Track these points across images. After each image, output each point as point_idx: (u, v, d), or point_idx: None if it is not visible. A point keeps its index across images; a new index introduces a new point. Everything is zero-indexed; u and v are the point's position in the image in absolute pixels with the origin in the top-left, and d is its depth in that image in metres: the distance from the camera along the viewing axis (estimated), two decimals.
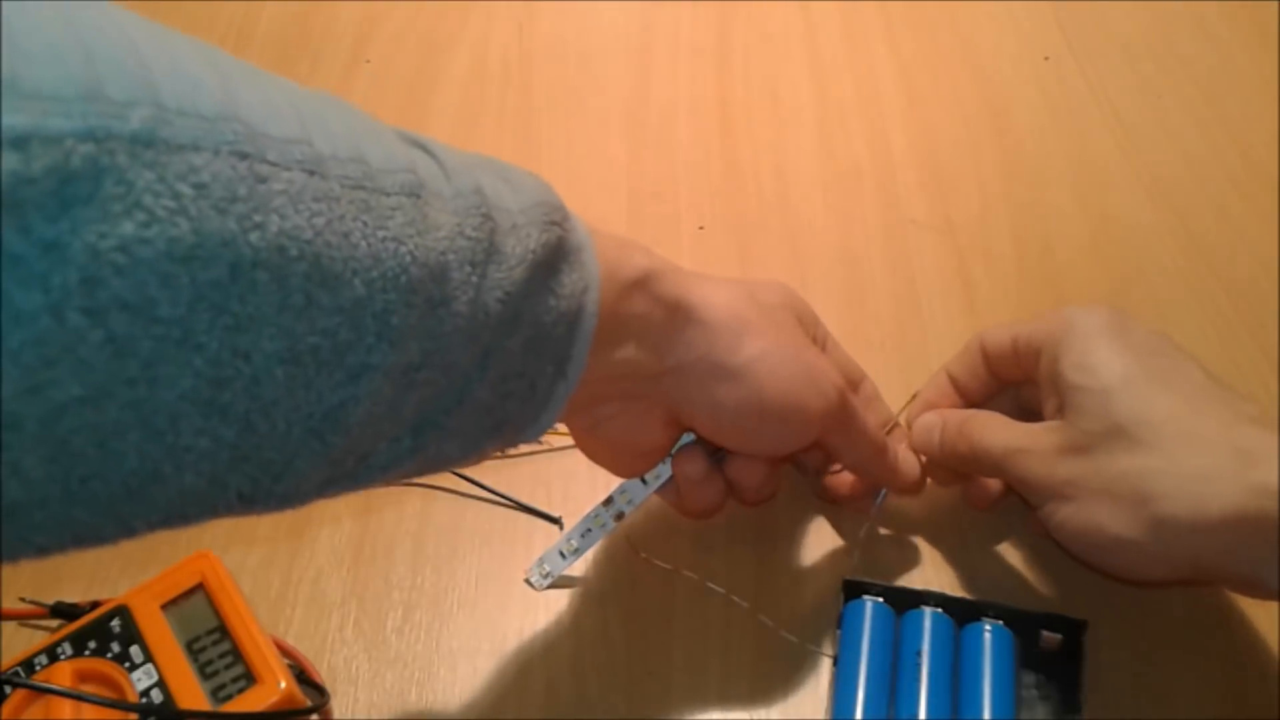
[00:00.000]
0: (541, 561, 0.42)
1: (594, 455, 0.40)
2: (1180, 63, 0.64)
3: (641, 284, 0.34)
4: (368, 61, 0.70)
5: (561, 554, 0.42)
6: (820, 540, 0.45)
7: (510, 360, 0.30)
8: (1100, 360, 0.36)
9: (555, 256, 0.31)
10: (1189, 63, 0.64)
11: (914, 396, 0.43)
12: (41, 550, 0.23)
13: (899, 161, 0.60)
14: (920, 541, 0.44)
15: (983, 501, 0.43)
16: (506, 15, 0.72)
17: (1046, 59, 0.66)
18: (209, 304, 0.21)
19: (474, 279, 0.28)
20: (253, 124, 0.23)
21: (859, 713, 0.37)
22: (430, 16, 0.73)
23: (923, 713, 0.37)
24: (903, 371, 0.49)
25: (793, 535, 0.45)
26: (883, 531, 0.44)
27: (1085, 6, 0.69)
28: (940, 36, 0.68)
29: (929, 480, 0.44)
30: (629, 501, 0.41)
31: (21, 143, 0.18)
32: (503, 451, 0.34)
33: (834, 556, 0.44)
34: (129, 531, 0.24)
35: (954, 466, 0.42)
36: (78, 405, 0.20)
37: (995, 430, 0.39)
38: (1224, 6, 0.68)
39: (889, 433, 0.43)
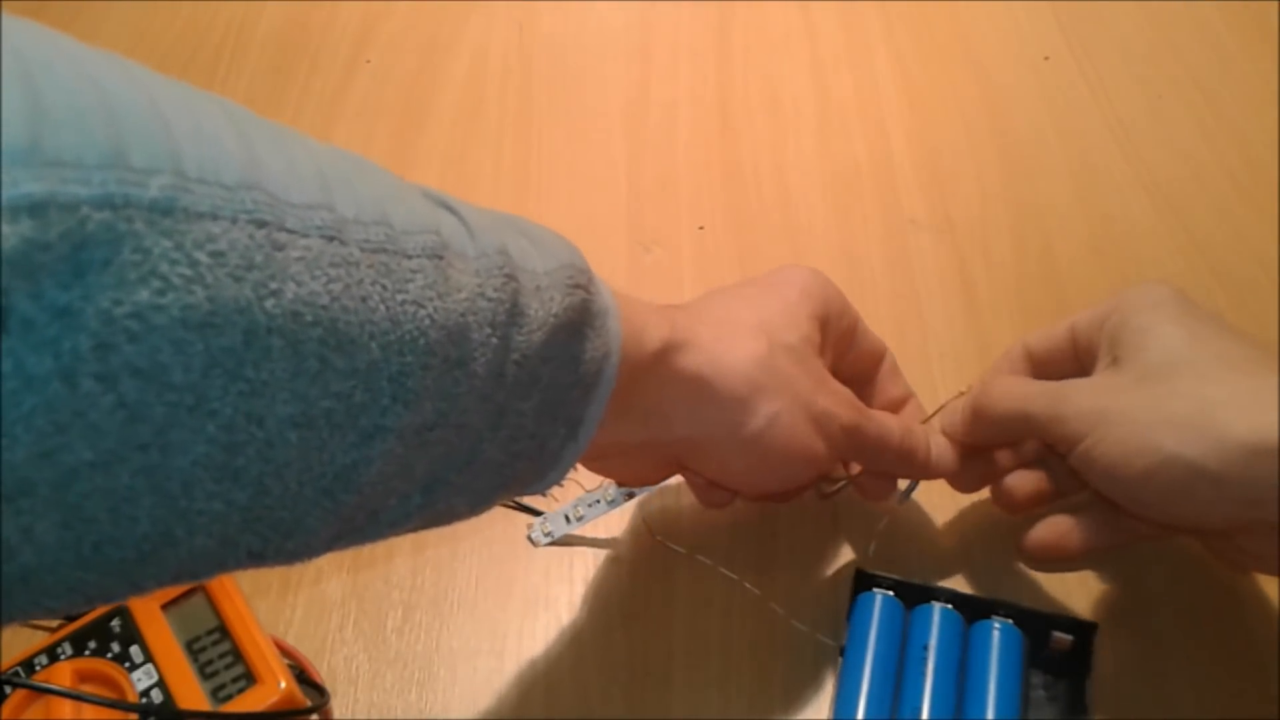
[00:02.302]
0: (545, 520, 0.42)
1: (601, 474, 0.41)
2: (1180, 63, 0.64)
3: (662, 355, 0.34)
4: (368, 61, 0.70)
5: (566, 518, 0.42)
6: (836, 531, 0.45)
7: (523, 421, 0.30)
8: (1164, 313, 0.37)
9: (578, 320, 0.31)
10: (1189, 63, 0.64)
11: (960, 394, 0.42)
12: (51, 611, 0.23)
13: (899, 161, 0.60)
14: (933, 537, 0.44)
15: (1009, 499, 0.42)
16: (506, 15, 0.72)
17: (1046, 59, 0.66)
18: (222, 370, 0.21)
19: (494, 340, 0.28)
20: (273, 190, 0.23)
21: (862, 705, 0.37)
22: (430, 17, 0.73)
23: (926, 708, 0.37)
24: (903, 371, 0.49)
25: (807, 525, 0.45)
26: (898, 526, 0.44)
27: (1085, 6, 0.69)
28: (940, 36, 0.68)
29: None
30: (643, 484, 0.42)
31: (39, 209, 0.18)
32: (512, 503, 0.34)
33: (851, 548, 0.44)
34: (139, 591, 0.24)
35: (978, 438, 0.41)
36: (89, 470, 0.20)
37: (1027, 382, 0.39)
38: (1224, 6, 0.68)
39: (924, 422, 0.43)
